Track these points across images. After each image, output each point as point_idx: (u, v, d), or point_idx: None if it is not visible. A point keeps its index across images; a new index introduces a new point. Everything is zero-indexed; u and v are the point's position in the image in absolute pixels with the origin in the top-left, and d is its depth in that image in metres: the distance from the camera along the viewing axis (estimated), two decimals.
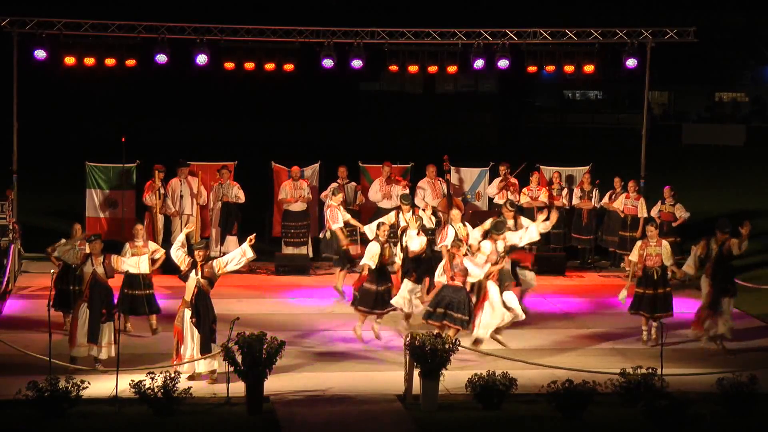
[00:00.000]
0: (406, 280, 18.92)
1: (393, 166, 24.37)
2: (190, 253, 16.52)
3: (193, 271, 16.29)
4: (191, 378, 16.19)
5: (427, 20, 28.78)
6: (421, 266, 19.14)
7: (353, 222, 21.77)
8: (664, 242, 18.91)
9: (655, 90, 64.28)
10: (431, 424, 14.82)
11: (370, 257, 18.39)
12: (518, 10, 54.82)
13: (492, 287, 17.92)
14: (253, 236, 16.82)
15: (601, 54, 24.67)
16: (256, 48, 24.17)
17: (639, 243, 18.99)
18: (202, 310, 16.23)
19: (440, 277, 17.82)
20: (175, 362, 16.26)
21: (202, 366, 16.21)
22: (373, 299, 18.46)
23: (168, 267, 20.08)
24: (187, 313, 16.26)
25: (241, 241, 22.83)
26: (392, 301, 18.66)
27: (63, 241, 18.17)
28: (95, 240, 16.99)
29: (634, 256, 18.88)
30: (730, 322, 18.52)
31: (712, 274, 18.68)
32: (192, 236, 22.03)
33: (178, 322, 16.38)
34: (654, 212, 23.71)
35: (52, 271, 16.76)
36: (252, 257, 16.86)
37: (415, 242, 19.06)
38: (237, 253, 16.71)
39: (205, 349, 16.14)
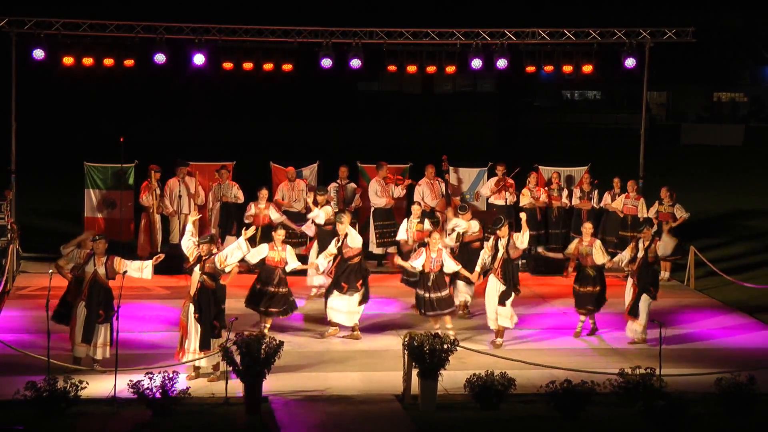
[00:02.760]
0: (335, 292, 18.82)
1: (389, 166, 24.38)
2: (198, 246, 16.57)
3: (198, 265, 16.33)
4: (191, 378, 16.19)
5: (426, 20, 28.80)
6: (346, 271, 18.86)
7: (288, 223, 21.98)
8: (596, 242, 19.15)
9: (654, 90, 64.36)
10: (430, 424, 14.81)
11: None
12: (517, 10, 54.89)
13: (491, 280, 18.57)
14: (252, 228, 16.86)
15: (599, 54, 24.69)
16: (255, 48, 24.18)
17: (575, 240, 19.45)
18: (204, 305, 16.25)
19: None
20: (179, 356, 16.32)
21: (204, 361, 16.22)
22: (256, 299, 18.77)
23: (166, 267, 20.10)
24: (191, 307, 16.29)
25: None
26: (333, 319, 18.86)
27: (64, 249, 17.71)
28: (99, 240, 16.93)
29: (569, 251, 19.46)
30: (644, 323, 18.59)
31: (637, 274, 18.75)
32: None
33: (183, 317, 16.42)
34: (651, 213, 23.69)
35: (51, 271, 16.69)
36: (247, 252, 16.95)
37: (356, 240, 18.99)
38: (233, 247, 16.80)
39: (204, 345, 16.15)
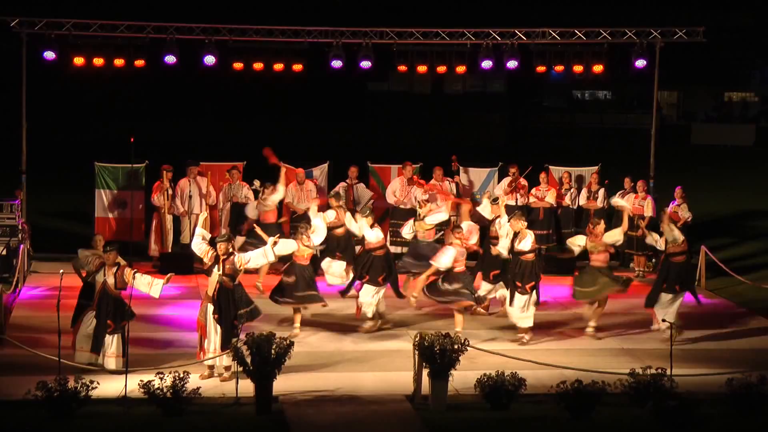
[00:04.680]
0: (366, 284, 19.15)
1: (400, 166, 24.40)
2: (213, 245, 16.56)
3: (216, 266, 16.33)
4: (204, 377, 16.22)
5: (436, 20, 28.76)
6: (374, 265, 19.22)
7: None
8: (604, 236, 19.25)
9: (664, 90, 64.18)
10: (440, 425, 14.81)
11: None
12: (527, 10, 54.79)
13: None
14: (276, 237, 16.91)
15: (610, 54, 24.65)
16: (265, 48, 24.20)
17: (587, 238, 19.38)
18: (224, 305, 16.27)
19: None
20: (200, 356, 16.36)
21: (226, 360, 16.24)
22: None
23: (174, 267, 20.06)
24: (210, 307, 16.30)
25: None
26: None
27: (81, 253, 17.67)
28: (111, 251, 16.87)
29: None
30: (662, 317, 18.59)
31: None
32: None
33: (201, 317, 16.43)
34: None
35: (61, 271, 16.73)
36: (273, 260, 17.00)
37: (371, 235, 19.25)
38: (258, 254, 16.73)
39: (226, 345, 16.15)
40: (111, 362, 16.52)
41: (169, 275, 16.63)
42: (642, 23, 25.52)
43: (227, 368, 16.23)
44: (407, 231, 20.77)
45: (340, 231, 20.65)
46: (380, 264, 19.16)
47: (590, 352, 18.22)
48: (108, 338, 16.51)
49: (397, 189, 24.01)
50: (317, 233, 19.21)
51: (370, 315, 19.15)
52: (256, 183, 22.38)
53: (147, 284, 16.60)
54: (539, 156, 26.09)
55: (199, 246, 16.69)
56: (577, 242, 19.44)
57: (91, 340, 16.51)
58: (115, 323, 16.50)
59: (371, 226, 19.34)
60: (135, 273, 16.65)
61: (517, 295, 18.55)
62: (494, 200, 20.52)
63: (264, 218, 22.14)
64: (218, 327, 16.25)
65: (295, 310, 18.94)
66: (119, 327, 16.49)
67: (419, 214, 20.73)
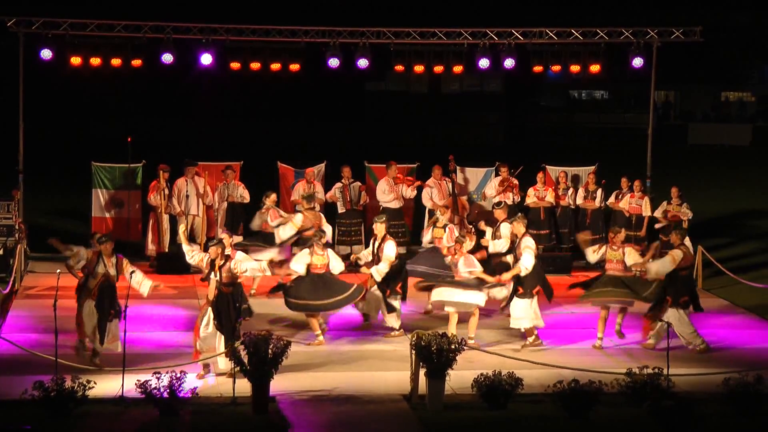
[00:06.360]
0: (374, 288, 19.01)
1: (398, 165, 24.39)
2: (207, 250, 16.58)
3: (213, 272, 16.33)
4: (201, 376, 16.21)
5: (433, 20, 28.79)
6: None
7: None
8: (628, 248, 18.75)
9: (661, 89, 64.25)
10: (437, 424, 14.81)
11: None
12: (524, 9, 54.87)
13: None
14: (275, 253, 16.87)
15: (607, 54, 24.67)
16: (262, 48, 24.19)
17: (605, 247, 18.87)
18: (224, 312, 16.28)
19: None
20: (193, 359, 16.37)
21: (222, 363, 16.23)
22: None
23: (171, 267, 20.11)
24: (210, 313, 16.30)
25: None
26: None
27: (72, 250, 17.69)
28: (106, 241, 16.93)
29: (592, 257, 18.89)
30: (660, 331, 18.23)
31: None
32: (197, 234, 22.27)
33: (198, 319, 16.44)
34: (659, 213, 23.66)
35: (58, 271, 16.71)
36: (270, 274, 17.15)
37: (391, 251, 18.93)
38: (255, 267, 16.69)
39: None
40: (111, 348, 16.60)
41: (158, 284, 17.00)
42: (639, 23, 25.54)
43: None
44: (428, 239, 20.17)
45: (309, 233, 20.39)
46: (399, 272, 19.05)
47: (587, 351, 18.22)
48: (108, 326, 16.63)
49: (386, 189, 24.02)
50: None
51: (397, 326, 18.95)
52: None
53: (137, 282, 16.85)
54: (536, 156, 26.10)
55: (192, 257, 16.76)
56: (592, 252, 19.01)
57: (97, 333, 16.56)
58: (116, 311, 16.61)
59: (384, 237, 18.93)
60: (132, 271, 16.84)
61: (516, 299, 18.44)
62: (497, 204, 20.30)
63: (266, 228, 22.02)
64: (219, 333, 16.25)
65: (310, 315, 18.60)
66: (118, 313, 16.55)
67: (437, 219, 20.24)
